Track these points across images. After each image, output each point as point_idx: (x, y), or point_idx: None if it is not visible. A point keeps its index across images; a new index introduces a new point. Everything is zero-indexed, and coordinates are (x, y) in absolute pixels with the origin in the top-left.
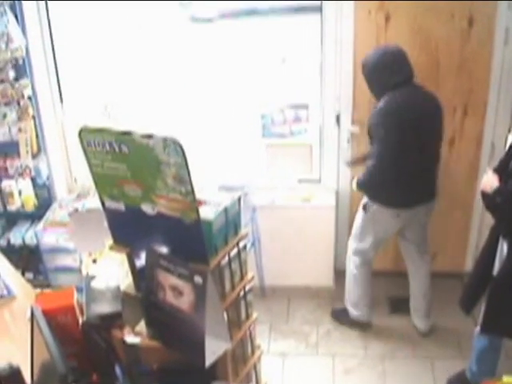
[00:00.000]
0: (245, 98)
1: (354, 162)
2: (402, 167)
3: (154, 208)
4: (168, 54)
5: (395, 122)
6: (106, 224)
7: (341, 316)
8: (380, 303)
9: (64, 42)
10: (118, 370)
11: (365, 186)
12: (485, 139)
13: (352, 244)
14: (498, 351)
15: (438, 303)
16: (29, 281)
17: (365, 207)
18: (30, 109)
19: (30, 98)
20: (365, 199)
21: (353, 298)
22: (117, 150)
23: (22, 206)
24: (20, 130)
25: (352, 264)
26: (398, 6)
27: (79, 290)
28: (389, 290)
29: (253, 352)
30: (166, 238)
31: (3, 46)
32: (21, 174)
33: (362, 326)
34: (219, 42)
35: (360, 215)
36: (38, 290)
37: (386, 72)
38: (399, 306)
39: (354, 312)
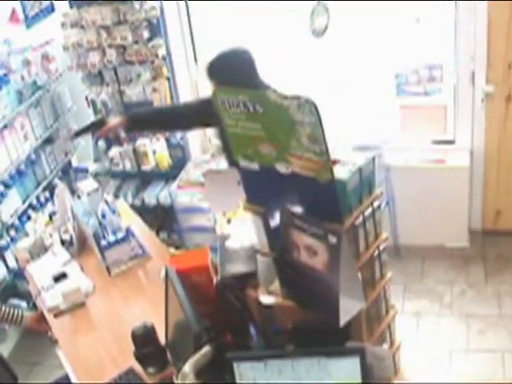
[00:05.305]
0: (379, 57)
1: (79, 133)
2: None
3: (288, 167)
4: (300, 11)
5: None
6: (240, 184)
7: None
8: None
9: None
10: (252, 329)
11: None
12: None
13: None
14: None
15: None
16: (163, 240)
17: None
18: (164, 68)
19: (164, 57)
20: None
21: None
22: (251, 109)
23: (157, 165)
24: (154, 89)
25: None
26: None
27: (213, 249)
28: None
29: (387, 312)
30: (299, 198)
31: (137, 6)
32: (155, 134)
33: None
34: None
35: None
36: (173, 250)
37: None
38: None
39: None
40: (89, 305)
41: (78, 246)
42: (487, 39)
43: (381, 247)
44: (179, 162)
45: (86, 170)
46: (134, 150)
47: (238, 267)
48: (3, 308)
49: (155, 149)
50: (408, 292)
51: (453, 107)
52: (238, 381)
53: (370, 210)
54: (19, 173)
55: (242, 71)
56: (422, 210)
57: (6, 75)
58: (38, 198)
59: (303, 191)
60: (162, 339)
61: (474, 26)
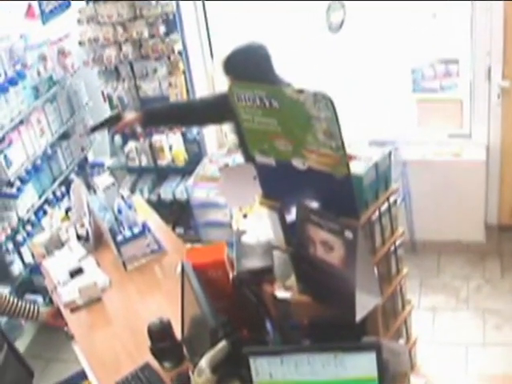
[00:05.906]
0: (395, 52)
1: (95, 128)
2: None
3: (304, 163)
4: (315, 11)
5: None
6: (256, 179)
7: None
8: None
9: None
10: (268, 324)
11: None
12: None
13: None
14: None
15: None
16: (179, 236)
17: None
18: (180, 64)
19: (180, 52)
20: None
21: None
22: (267, 104)
23: (173, 160)
24: (170, 84)
25: None
26: None
27: (230, 244)
28: None
29: (403, 307)
30: (316, 193)
31: (153, 2)
32: (171, 129)
33: None
34: None
35: None
36: (189, 245)
37: None
38: None
39: None
40: (105, 300)
41: (94, 241)
42: (503, 35)
43: (397, 242)
44: (195, 157)
45: (102, 165)
46: (151, 145)
47: (254, 262)
48: (19, 303)
49: (171, 144)
50: (424, 287)
51: (469, 102)
52: (254, 376)
53: (386, 205)
54: (35, 168)
55: (258, 66)
56: (438, 205)
57: (22, 70)
58: (54, 193)
59: (319, 186)
60: (178, 334)
61: (490, 23)
